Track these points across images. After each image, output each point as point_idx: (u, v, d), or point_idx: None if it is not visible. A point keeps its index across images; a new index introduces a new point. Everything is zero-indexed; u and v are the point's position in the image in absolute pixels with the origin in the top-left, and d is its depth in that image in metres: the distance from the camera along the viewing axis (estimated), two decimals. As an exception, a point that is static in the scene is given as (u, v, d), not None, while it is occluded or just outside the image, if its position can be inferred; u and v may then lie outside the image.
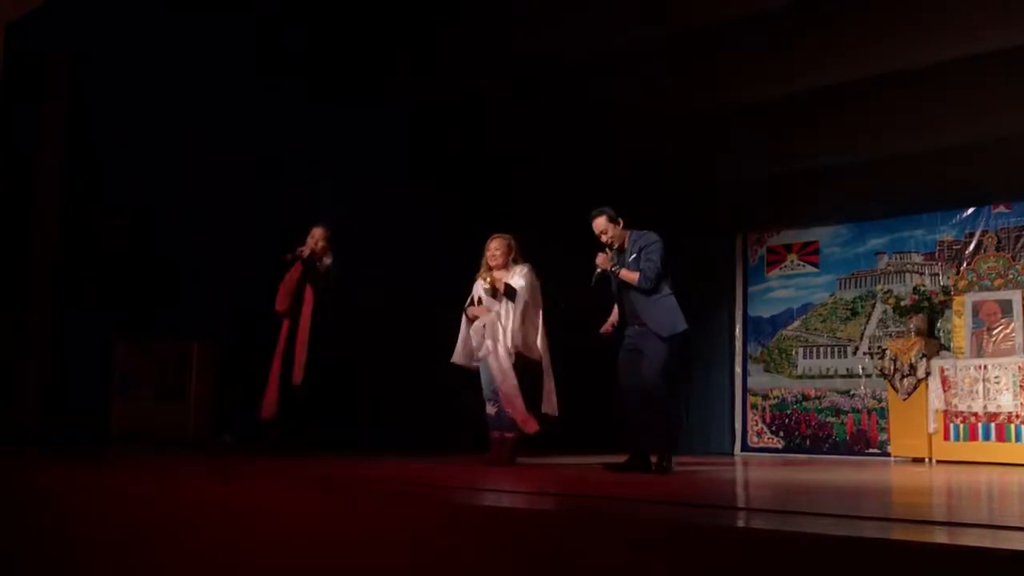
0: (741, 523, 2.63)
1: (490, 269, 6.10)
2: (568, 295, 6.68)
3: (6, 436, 6.26)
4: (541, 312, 6.11)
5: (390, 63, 7.78)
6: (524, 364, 6.02)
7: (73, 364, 7.05)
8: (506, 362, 5.89)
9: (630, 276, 5.54)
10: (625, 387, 5.46)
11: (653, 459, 5.32)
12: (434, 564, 2.65)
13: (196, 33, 7.47)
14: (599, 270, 5.64)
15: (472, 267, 6.29)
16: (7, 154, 6.73)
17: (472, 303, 6.13)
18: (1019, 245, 8.65)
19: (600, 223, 5.68)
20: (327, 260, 6.59)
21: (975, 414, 7.80)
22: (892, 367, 8.39)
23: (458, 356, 6.20)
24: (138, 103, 7.54)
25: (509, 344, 5.91)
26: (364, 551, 2.85)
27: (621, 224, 5.71)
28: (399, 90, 8.21)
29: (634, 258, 5.56)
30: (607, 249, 5.68)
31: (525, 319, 5.97)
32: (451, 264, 7.13)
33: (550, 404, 6.06)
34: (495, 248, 6.11)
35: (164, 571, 3.33)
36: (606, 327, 5.80)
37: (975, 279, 8.80)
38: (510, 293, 5.96)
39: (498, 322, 5.97)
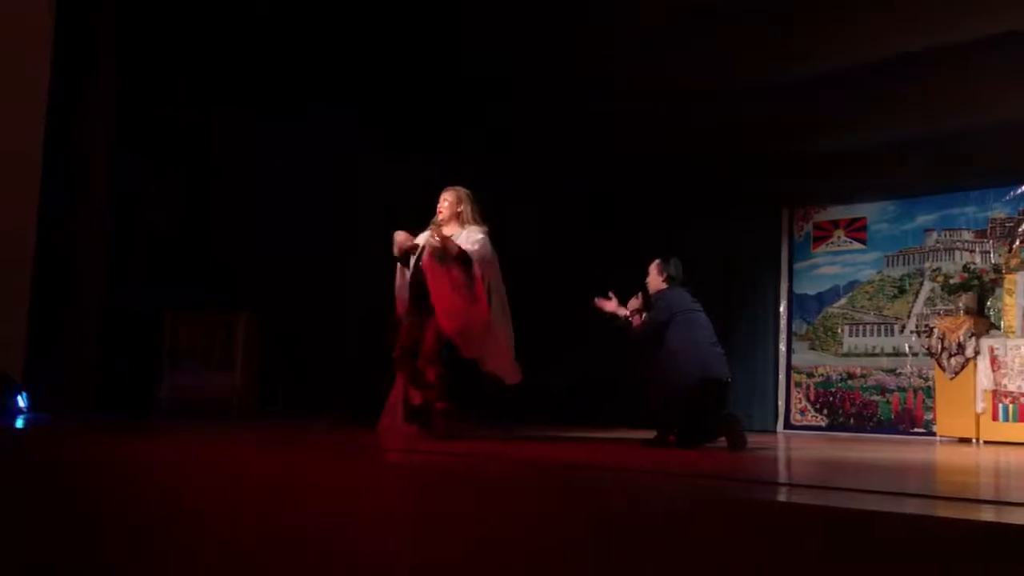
0: (783, 498, 2.62)
1: (439, 226, 5.42)
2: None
3: (59, 407, 6.40)
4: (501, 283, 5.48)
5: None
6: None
7: (123, 335, 7.18)
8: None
9: (636, 320, 5.69)
10: None
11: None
12: (458, 533, 2.68)
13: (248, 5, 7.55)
14: (625, 314, 5.76)
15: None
16: (59, 132, 6.84)
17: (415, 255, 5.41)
18: (1074, 223, 8.46)
19: (650, 268, 5.80)
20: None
21: (1025, 394, 7.67)
22: (939, 346, 8.26)
23: None
24: (187, 76, 7.64)
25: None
26: (410, 522, 2.88)
27: (664, 276, 5.74)
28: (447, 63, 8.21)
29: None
30: (638, 296, 5.80)
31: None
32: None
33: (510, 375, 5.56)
34: (443, 200, 5.47)
35: (211, 541, 3.40)
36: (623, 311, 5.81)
37: (1028, 257, 8.63)
38: (464, 259, 5.25)
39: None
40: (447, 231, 5.32)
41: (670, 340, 5.49)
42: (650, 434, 5.52)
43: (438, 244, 5.20)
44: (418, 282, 5.35)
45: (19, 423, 5.49)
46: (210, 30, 7.58)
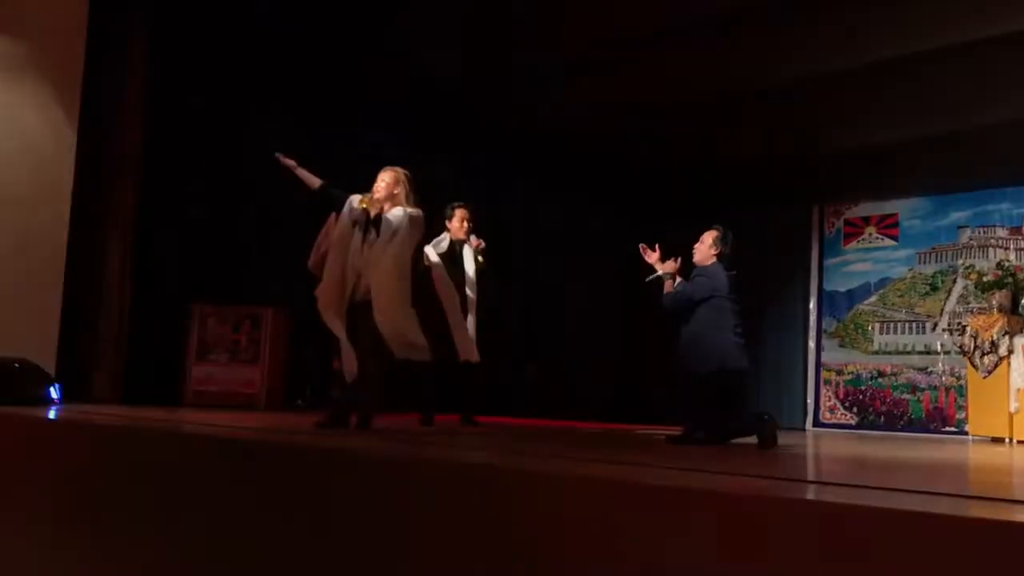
0: (811, 496, 2.59)
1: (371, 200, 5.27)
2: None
3: (88, 398, 6.48)
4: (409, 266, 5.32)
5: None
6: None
7: (153, 328, 7.25)
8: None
9: (668, 286, 5.58)
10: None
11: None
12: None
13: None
14: (659, 272, 5.63)
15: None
16: (90, 129, 6.91)
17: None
18: (1112, 219, 8.32)
19: (704, 237, 5.62)
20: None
21: (1060, 394, 7.54)
22: (972, 344, 8.15)
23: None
24: (216, 73, 7.69)
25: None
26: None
27: (716, 250, 5.52)
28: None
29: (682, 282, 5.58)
30: (676, 260, 5.65)
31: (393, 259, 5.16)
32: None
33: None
34: (380, 180, 5.28)
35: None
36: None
37: (1064, 255, 8.50)
38: (381, 223, 5.18)
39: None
40: (379, 201, 5.25)
41: (696, 320, 5.36)
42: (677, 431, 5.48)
43: (356, 206, 5.21)
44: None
45: (51, 414, 5.55)
46: (243, 25, 7.62)
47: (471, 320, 6.56)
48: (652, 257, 5.69)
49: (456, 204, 6.72)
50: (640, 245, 5.73)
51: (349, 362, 5.11)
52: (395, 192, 5.27)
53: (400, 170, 5.37)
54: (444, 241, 6.59)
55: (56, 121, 6.76)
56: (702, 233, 5.68)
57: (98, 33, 6.95)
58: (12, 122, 6.54)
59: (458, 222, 6.65)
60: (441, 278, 6.42)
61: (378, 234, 5.15)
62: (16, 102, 6.57)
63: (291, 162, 5.34)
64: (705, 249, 5.56)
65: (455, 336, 6.38)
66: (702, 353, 5.29)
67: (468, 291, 6.57)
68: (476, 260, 6.66)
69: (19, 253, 6.41)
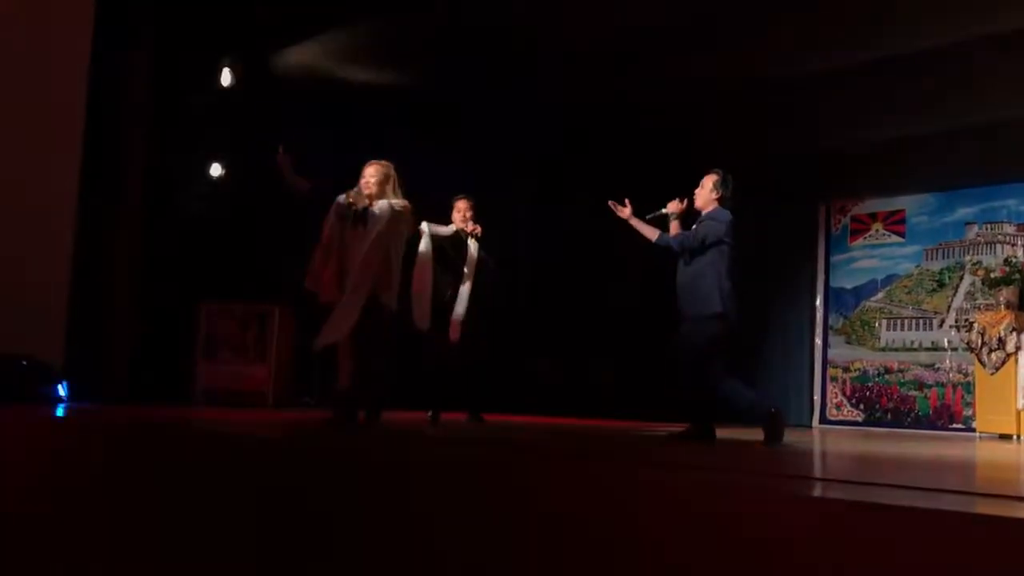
0: (818, 493, 2.59)
1: (360, 194, 5.37)
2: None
3: (99, 395, 6.51)
4: (399, 256, 5.46)
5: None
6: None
7: (160, 327, 7.28)
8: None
9: (650, 232, 5.51)
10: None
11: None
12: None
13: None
14: (663, 211, 5.59)
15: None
16: (96, 127, 6.93)
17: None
18: (1119, 215, 8.29)
19: (705, 181, 5.54)
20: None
21: (1067, 390, 7.51)
22: (980, 341, 8.12)
23: None
24: (221, 72, 7.71)
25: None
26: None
27: (717, 194, 5.44)
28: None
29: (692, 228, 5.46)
30: (682, 200, 5.59)
31: (380, 250, 5.27)
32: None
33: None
34: (369, 175, 5.35)
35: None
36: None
37: (1071, 251, 8.47)
38: (368, 217, 5.27)
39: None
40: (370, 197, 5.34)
41: (699, 262, 5.27)
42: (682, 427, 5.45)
43: (344, 202, 5.28)
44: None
45: (59, 411, 5.57)
46: (249, 19, 7.63)
47: (462, 304, 6.55)
48: (624, 212, 5.66)
49: (458, 196, 6.78)
50: (609, 202, 5.70)
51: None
52: (384, 185, 5.33)
53: (386, 163, 5.42)
54: (451, 227, 6.67)
55: (62, 118, 6.78)
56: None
57: (104, 27, 6.96)
58: (18, 117, 6.56)
59: (458, 212, 6.72)
60: (422, 261, 6.44)
61: (366, 228, 5.21)
62: (23, 97, 6.59)
63: (283, 162, 5.39)
64: (706, 194, 5.49)
65: (412, 306, 6.34)
66: (704, 295, 5.21)
67: (466, 270, 6.60)
68: (477, 248, 6.71)
69: (26, 250, 6.43)
